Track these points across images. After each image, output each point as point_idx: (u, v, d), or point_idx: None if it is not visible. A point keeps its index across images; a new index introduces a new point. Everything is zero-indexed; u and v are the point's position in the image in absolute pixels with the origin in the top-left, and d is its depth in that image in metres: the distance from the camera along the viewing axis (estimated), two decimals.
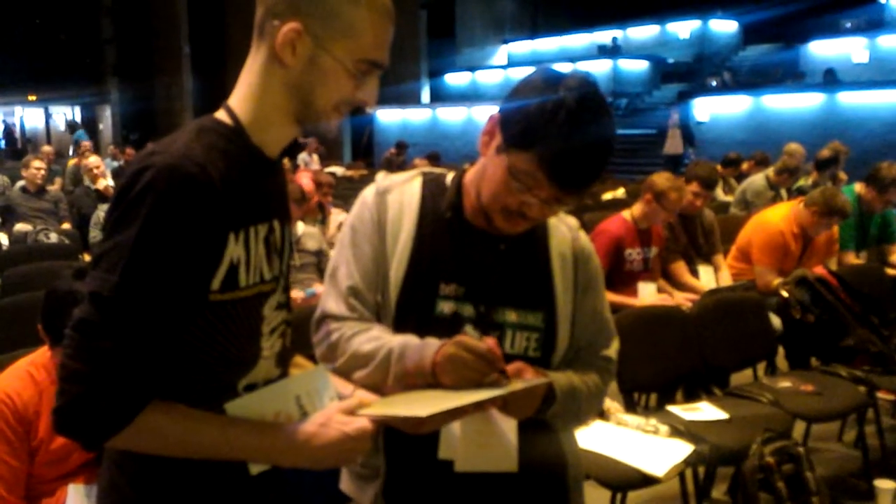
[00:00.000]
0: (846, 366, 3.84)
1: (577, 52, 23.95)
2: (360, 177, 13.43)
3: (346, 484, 1.73)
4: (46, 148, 11.26)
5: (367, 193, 1.70)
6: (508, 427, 1.59)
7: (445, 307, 1.60)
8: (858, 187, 5.38)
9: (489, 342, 1.48)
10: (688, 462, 2.89)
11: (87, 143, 11.42)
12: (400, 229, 1.63)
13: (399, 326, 1.60)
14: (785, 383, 3.65)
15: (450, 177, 1.72)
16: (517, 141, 1.47)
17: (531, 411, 1.54)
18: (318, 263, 4.82)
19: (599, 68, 20.83)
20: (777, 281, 4.50)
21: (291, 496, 1.45)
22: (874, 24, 18.75)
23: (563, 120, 1.41)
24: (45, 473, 2.08)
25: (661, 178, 4.25)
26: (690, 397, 3.72)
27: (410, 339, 1.55)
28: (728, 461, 3.15)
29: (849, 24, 19.22)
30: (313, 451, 1.25)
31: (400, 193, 1.68)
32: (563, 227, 1.72)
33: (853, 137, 11.15)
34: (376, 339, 1.57)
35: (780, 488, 2.98)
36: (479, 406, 1.42)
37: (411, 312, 1.60)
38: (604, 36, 24.17)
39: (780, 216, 4.76)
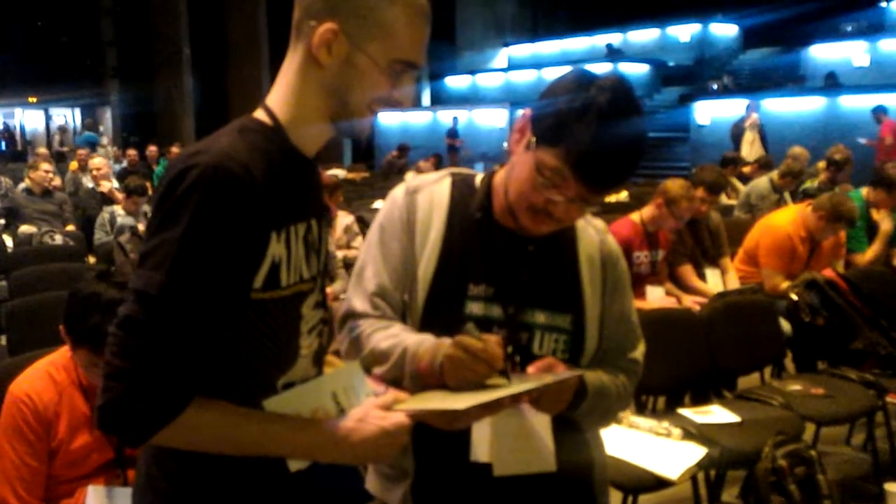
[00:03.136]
0: (856, 369, 3.84)
1: (577, 55, 23.97)
2: (362, 179, 13.46)
3: (372, 484, 1.73)
4: (42, 150, 11.19)
5: (397, 193, 1.71)
6: (542, 426, 1.59)
7: (474, 308, 1.60)
8: (865, 191, 5.40)
9: (490, 340, 1.44)
10: (701, 465, 2.89)
11: (82, 152, 11.21)
12: (429, 229, 1.64)
13: (426, 327, 1.60)
14: (795, 386, 3.65)
15: (479, 178, 1.72)
16: (546, 137, 1.48)
17: (563, 406, 1.54)
18: (325, 266, 4.82)
19: (599, 71, 20.74)
20: (785, 284, 4.52)
21: (321, 495, 1.46)
22: (875, 28, 18.77)
23: (593, 119, 1.42)
24: (64, 474, 2.07)
25: (676, 186, 4.26)
26: (699, 400, 3.72)
27: (426, 339, 1.54)
28: (740, 464, 3.15)
29: (850, 28, 19.25)
30: (352, 447, 1.26)
31: (430, 193, 1.68)
32: (591, 230, 1.72)
33: (854, 141, 11.16)
34: (394, 336, 1.57)
35: (792, 491, 2.98)
36: (515, 399, 1.41)
37: (439, 313, 1.60)
38: (604, 39, 24.18)
39: (787, 220, 4.78)
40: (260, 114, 1.30)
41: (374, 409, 1.30)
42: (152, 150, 13.72)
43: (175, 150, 12.78)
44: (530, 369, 1.49)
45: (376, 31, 1.24)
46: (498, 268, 1.62)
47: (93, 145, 14.09)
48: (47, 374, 2.09)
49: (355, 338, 1.62)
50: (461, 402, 1.33)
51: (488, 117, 19.47)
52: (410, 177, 1.79)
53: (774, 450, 3.04)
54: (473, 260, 1.62)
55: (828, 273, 4.30)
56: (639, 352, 1.75)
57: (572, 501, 1.68)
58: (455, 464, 1.60)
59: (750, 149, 11.89)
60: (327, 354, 1.54)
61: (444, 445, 1.55)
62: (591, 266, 1.68)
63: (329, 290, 4.49)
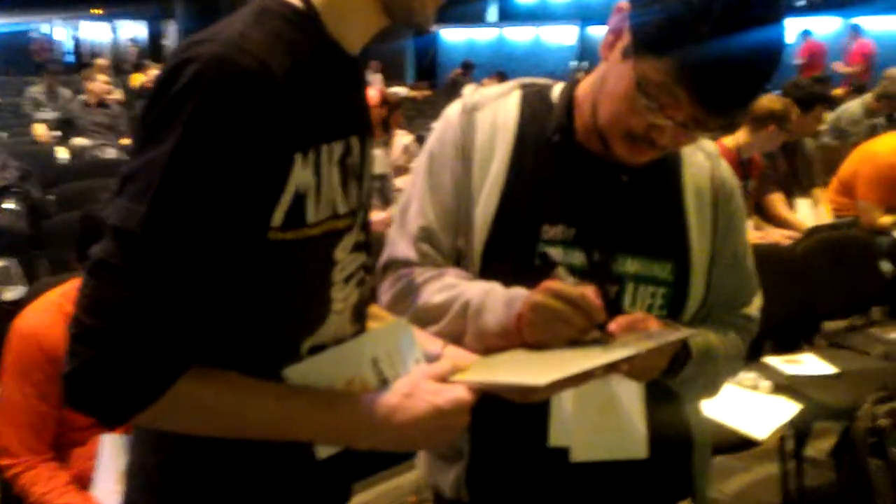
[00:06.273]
0: None
1: None
2: (424, 97, 13.36)
3: (421, 465, 1.46)
4: (101, 61, 10.97)
5: (452, 111, 1.37)
6: (632, 399, 1.28)
7: (550, 254, 1.28)
8: None
9: (587, 290, 1.16)
10: (793, 423, 2.60)
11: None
12: (491, 156, 1.31)
13: (487, 278, 1.29)
14: None
15: (557, 89, 1.37)
16: (650, 44, 1.12)
17: (656, 372, 1.23)
18: (382, 188, 4.56)
19: None
20: (885, 218, 4.19)
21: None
22: None
23: (716, 20, 1.06)
24: (76, 420, 1.84)
25: (775, 102, 3.85)
26: (783, 348, 3.39)
27: (493, 289, 1.24)
28: (833, 420, 2.85)
29: None
30: (397, 429, 0.98)
31: (493, 111, 1.34)
32: (700, 155, 1.37)
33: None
34: (450, 287, 1.27)
35: (893, 454, 2.68)
36: (609, 369, 1.08)
37: (503, 261, 1.29)
38: None
39: (890, 147, 4.38)
40: None
41: (425, 381, 1.00)
42: None
43: None
44: (612, 326, 1.16)
45: None
46: (581, 204, 1.29)
47: None
48: (57, 308, 1.85)
49: (400, 291, 1.32)
50: (541, 373, 1.02)
51: (557, 35, 18.86)
52: (469, 90, 1.43)
53: (875, 407, 2.73)
54: (549, 194, 1.29)
55: None
56: (754, 307, 1.41)
57: (664, 490, 1.38)
58: (520, 444, 1.31)
59: None
60: (372, 305, 1.25)
61: (507, 421, 1.25)
62: (699, 200, 1.33)
63: (386, 214, 4.21)
